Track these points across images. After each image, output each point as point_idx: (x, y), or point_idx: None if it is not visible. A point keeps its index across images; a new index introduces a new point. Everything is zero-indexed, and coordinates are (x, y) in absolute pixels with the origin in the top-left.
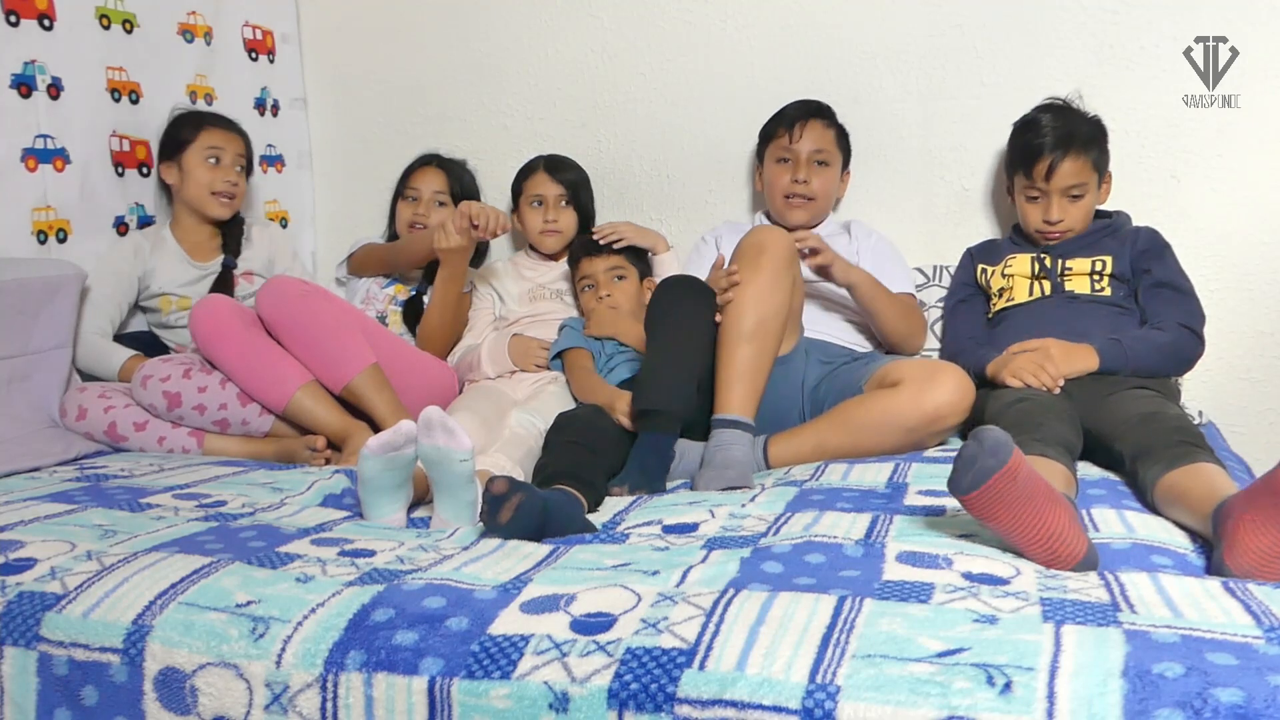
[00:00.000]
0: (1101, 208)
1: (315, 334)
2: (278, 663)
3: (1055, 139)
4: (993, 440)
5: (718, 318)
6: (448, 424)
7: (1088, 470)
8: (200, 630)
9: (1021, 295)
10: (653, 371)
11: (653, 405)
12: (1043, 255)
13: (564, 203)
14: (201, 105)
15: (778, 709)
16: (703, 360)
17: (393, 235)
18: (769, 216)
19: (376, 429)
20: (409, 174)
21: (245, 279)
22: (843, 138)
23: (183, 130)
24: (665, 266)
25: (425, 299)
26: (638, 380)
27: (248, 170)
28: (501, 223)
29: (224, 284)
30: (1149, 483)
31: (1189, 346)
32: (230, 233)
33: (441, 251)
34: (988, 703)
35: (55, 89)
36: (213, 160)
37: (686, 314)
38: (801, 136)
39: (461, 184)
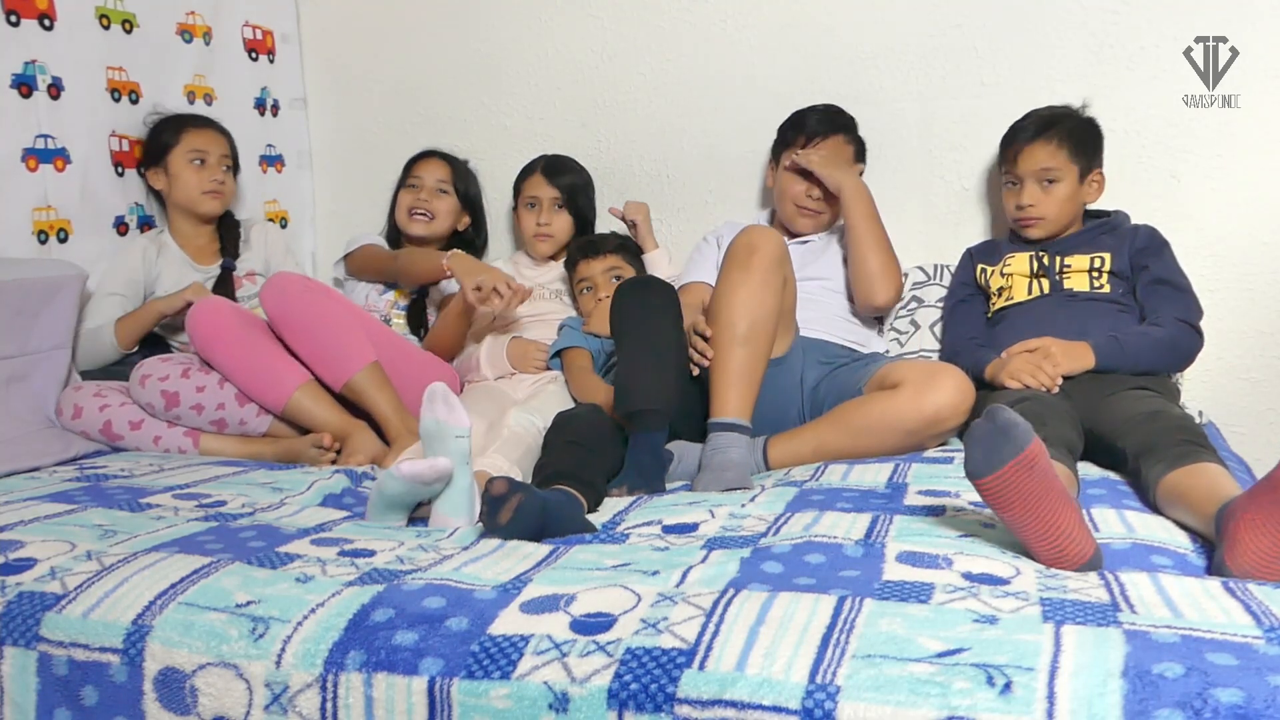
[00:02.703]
0: (1100, 207)
1: (316, 331)
2: (278, 663)
3: (1033, 127)
4: (1007, 421)
5: (704, 328)
6: (450, 399)
7: (1088, 470)
8: (200, 630)
9: (1020, 294)
10: (631, 372)
11: (637, 405)
12: (1041, 253)
13: (558, 206)
14: (200, 106)
15: (778, 709)
16: (678, 355)
17: (392, 226)
18: (771, 218)
19: (376, 427)
20: (412, 164)
21: (248, 279)
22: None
23: (164, 135)
24: (656, 265)
25: (427, 301)
26: (618, 384)
27: (235, 169)
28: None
29: (225, 286)
30: (1152, 481)
31: (1187, 341)
32: (227, 235)
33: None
34: (988, 703)
35: (55, 89)
36: (197, 162)
37: (653, 311)
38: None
39: (464, 179)
